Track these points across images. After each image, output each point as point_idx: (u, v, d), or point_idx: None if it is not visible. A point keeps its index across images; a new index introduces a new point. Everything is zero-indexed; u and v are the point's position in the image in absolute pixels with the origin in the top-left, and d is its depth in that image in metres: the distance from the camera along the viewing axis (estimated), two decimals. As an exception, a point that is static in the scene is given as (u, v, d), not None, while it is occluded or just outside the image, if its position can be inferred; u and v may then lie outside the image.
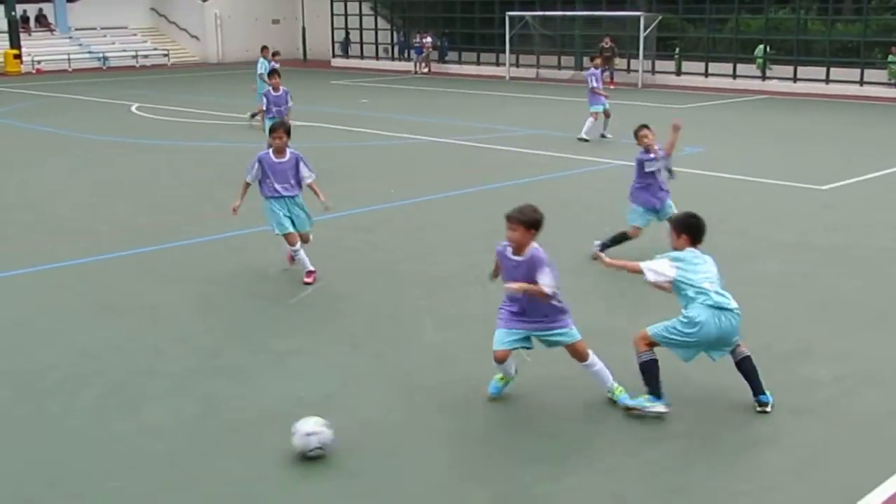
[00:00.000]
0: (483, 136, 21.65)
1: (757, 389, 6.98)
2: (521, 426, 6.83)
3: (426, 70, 43.57)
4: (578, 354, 7.03)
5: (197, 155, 20.18)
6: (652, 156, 10.99)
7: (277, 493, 5.94)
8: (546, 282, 6.68)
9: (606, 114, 21.10)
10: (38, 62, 46.08)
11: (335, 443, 6.22)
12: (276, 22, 54.19)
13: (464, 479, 6.06)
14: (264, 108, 18.71)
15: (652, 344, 6.92)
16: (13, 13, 45.36)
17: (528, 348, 7.14)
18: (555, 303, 6.83)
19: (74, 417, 7.04)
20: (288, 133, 10.31)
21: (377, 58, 48.14)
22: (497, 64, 41.77)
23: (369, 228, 13.07)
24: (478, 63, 43.41)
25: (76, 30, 51.33)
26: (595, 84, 21.03)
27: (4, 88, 37.18)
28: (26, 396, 7.43)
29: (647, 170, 11.04)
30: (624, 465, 6.24)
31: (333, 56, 49.48)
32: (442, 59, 44.47)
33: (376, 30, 48.37)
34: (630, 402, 6.94)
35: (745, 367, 6.98)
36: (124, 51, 50.23)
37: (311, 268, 10.28)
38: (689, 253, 6.98)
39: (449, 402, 7.19)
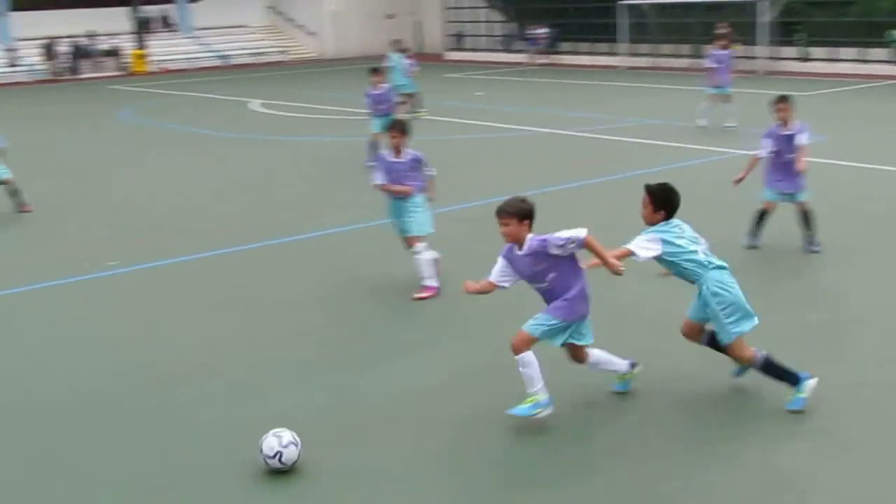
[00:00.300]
0: (598, 127, 21.42)
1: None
2: (640, 425, 6.72)
3: (540, 62, 43.33)
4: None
5: (315, 150, 20.50)
6: (782, 132, 10.71)
7: (421, 478, 5.99)
8: (570, 233, 6.55)
9: (725, 99, 20.66)
10: (163, 62, 47.54)
11: (300, 461, 6.09)
12: (390, 16, 54.65)
13: (597, 466, 6.00)
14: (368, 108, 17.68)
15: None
16: (139, 15, 46.94)
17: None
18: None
19: (203, 407, 7.22)
20: (403, 132, 9.92)
21: (491, 50, 48.11)
22: (612, 54, 41.22)
23: (485, 220, 13.01)
24: (592, 53, 42.93)
25: (198, 30, 52.76)
26: (713, 64, 20.82)
27: (132, 87, 38.51)
28: (156, 387, 7.66)
29: (766, 149, 10.78)
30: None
31: (447, 49, 49.64)
32: (556, 51, 44.17)
33: (490, 22, 48.36)
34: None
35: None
36: (244, 49, 51.40)
37: (430, 283, 9.76)
38: (664, 224, 6.81)
39: (579, 398, 7.13)
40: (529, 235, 6.65)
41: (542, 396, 6.59)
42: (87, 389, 7.66)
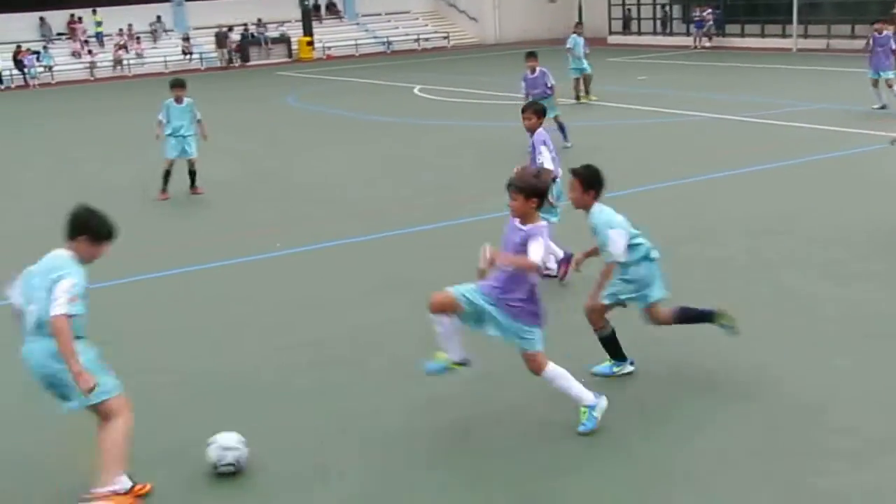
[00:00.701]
0: (768, 112, 20.67)
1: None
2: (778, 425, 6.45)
3: (707, 44, 42.22)
4: (534, 366, 6.31)
5: (476, 134, 20.55)
6: None
7: (560, 463, 5.94)
8: (536, 254, 5.97)
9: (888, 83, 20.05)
10: (329, 48, 48.69)
11: (248, 463, 5.96)
12: (552, 0, 54.30)
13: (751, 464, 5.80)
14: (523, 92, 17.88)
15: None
16: (306, 2, 48.18)
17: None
18: (531, 305, 6.17)
19: (361, 387, 7.34)
20: (538, 114, 10.02)
21: (655, 33, 47.17)
22: (783, 36, 39.77)
23: (651, 204, 12.80)
24: (762, 35, 41.48)
25: (363, 16, 53.77)
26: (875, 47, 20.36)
27: (299, 74, 39.58)
28: (313, 366, 7.83)
29: None
30: None
31: (610, 33, 48.94)
32: (722, 33, 42.91)
33: (654, 4, 47.39)
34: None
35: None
36: (407, 35, 52.08)
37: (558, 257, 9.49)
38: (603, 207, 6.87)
39: (736, 390, 6.90)
40: (539, 216, 6.22)
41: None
42: (251, 368, 7.90)
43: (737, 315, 7.16)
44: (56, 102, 34.78)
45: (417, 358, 7.87)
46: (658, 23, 47.55)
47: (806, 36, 38.82)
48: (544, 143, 9.99)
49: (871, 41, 20.57)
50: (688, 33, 44.38)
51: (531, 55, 17.92)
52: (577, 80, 24.06)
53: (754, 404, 6.63)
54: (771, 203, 12.61)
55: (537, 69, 17.70)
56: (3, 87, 42.07)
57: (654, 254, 6.96)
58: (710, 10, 42.47)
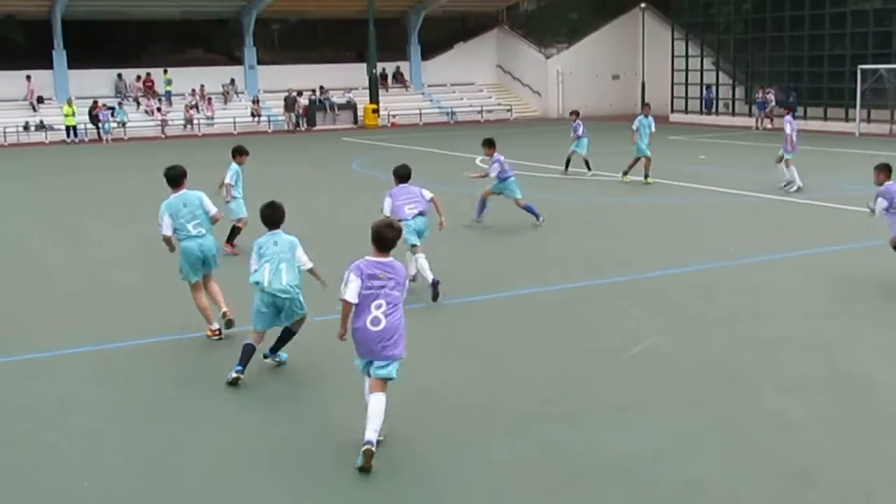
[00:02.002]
0: (829, 195, 20.71)
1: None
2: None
3: (769, 126, 42.33)
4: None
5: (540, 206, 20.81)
6: None
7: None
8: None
9: None
10: (394, 116, 49.59)
11: None
12: (615, 77, 54.94)
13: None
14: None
15: None
16: (374, 70, 49.25)
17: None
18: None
19: (418, 444, 7.54)
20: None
21: (717, 113, 47.39)
22: (846, 119, 39.80)
23: (706, 285, 12.93)
24: (824, 118, 41.50)
25: (428, 86, 54.77)
26: None
27: (363, 140, 40.35)
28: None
29: None
30: None
31: (672, 111, 49.26)
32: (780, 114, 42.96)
33: (717, 85, 47.67)
34: None
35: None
36: (471, 106, 52.89)
37: None
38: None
39: (791, 468, 6.98)
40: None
41: None
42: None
43: (793, 396, 7.23)
44: (128, 156, 35.83)
45: (475, 420, 8.03)
46: (720, 103, 47.74)
47: (869, 120, 38.80)
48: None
49: None
50: (750, 114, 44.55)
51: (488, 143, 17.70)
52: (637, 159, 23.85)
53: (812, 492, 6.71)
54: (830, 286, 12.67)
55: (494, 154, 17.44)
56: (77, 139, 43.43)
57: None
58: (772, 92, 42.62)
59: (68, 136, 43.43)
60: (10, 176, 30.06)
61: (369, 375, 7.34)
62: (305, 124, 48.47)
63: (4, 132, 43.20)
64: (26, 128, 44.23)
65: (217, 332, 10.60)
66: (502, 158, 17.37)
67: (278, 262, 9.03)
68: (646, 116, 24.18)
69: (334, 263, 14.85)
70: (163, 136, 45.68)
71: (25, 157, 37.29)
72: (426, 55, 55.56)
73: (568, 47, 54.67)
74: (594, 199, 21.49)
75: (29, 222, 19.90)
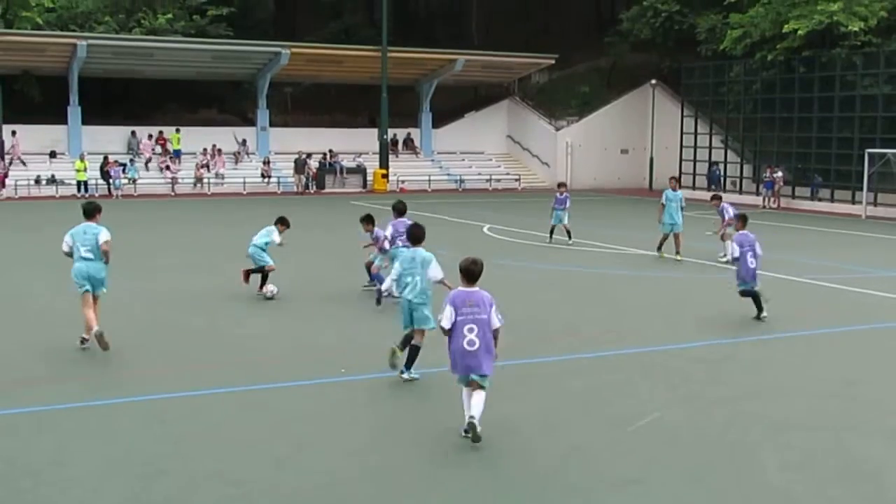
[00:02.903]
0: (835, 276, 20.72)
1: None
2: None
3: (775, 205, 42.52)
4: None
5: (545, 276, 20.85)
6: None
7: None
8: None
9: None
10: (403, 181, 49.88)
11: None
12: (624, 152, 55.31)
13: None
14: None
15: None
16: (385, 136, 49.72)
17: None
18: None
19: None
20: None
21: (724, 190, 47.57)
22: (853, 202, 39.97)
23: (714, 361, 12.89)
24: (831, 200, 41.70)
25: (438, 153, 55.21)
26: None
27: (372, 204, 40.42)
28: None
29: None
30: None
31: (680, 187, 49.37)
32: (792, 194, 43.21)
33: (725, 162, 47.93)
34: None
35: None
36: (479, 174, 53.25)
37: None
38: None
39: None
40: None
41: None
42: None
43: (797, 473, 7.15)
44: (137, 213, 36.02)
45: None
46: (728, 180, 47.95)
47: (876, 203, 38.95)
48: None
49: None
50: (757, 193, 44.74)
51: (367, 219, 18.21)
52: (665, 235, 23.49)
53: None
54: (836, 367, 12.63)
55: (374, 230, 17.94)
56: (87, 195, 43.69)
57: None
58: (780, 172, 42.84)
59: (79, 190, 43.69)
60: (18, 229, 30.32)
61: (466, 385, 9.15)
62: (315, 187, 48.74)
63: (16, 185, 43.47)
64: (38, 181, 44.50)
65: (85, 340, 12.62)
66: (383, 233, 17.49)
67: (414, 274, 11.27)
68: (673, 190, 24.03)
69: (344, 323, 14.85)
70: (172, 193, 45.93)
71: (35, 210, 37.47)
72: (437, 123, 56.06)
73: (578, 120, 55.13)
74: (605, 272, 21.50)
75: (33, 273, 19.97)
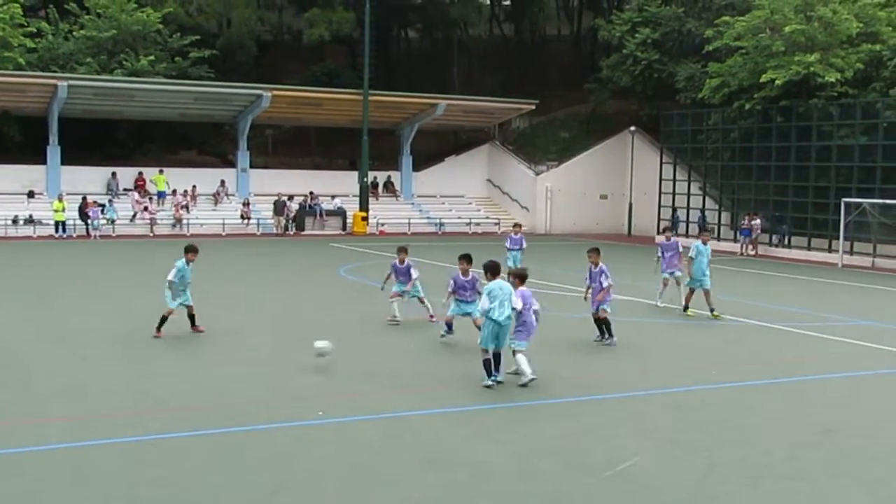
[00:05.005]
0: (810, 324, 20.81)
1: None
2: None
3: (753, 252, 42.80)
4: None
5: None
6: None
7: None
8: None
9: None
10: (382, 224, 49.94)
11: None
12: (603, 197, 55.67)
13: None
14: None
15: None
16: (365, 179, 49.84)
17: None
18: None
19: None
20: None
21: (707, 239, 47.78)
22: (829, 250, 40.29)
23: (689, 408, 12.88)
24: (808, 248, 42.02)
25: (418, 196, 55.37)
26: None
27: (351, 246, 40.50)
28: None
29: None
30: None
31: (658, 233, 49.74)
32: (768, 242, 43.53)
33: (703, 209, 48.26)
34: None
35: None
36: (459, 218, 53.41)
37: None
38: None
39: None
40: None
41: None
42: None
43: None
44: (115, 253, 35.82)
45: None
46: (708, 226, 48.21)
47: (852, 252, 39.25)
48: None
49: None
50: (735, 239, 45.03)
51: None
52: (692, 290, 22.00)
53: None
54: (814, 415, 12.65)
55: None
56: (65, 235, 43.45)
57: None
58: (758, 219, 43.17)
59: (56, 231, 43.45)
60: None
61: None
62: (294, 228, 48.72)
63: (-8, 225, 43.20)
64: (15, 221, 44.24)
65: None
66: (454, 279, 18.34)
67: (501, 300, 13.49)
68: (704, 244, 22.10)
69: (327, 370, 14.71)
70: (151, 234, 45.75)
71: (12, 251, 37.19)
72: (417, 166, 56.28)
73: (558, 165, 55.51)
74: (576, 316, 21.50)
75: (9, 314, 19.79)
